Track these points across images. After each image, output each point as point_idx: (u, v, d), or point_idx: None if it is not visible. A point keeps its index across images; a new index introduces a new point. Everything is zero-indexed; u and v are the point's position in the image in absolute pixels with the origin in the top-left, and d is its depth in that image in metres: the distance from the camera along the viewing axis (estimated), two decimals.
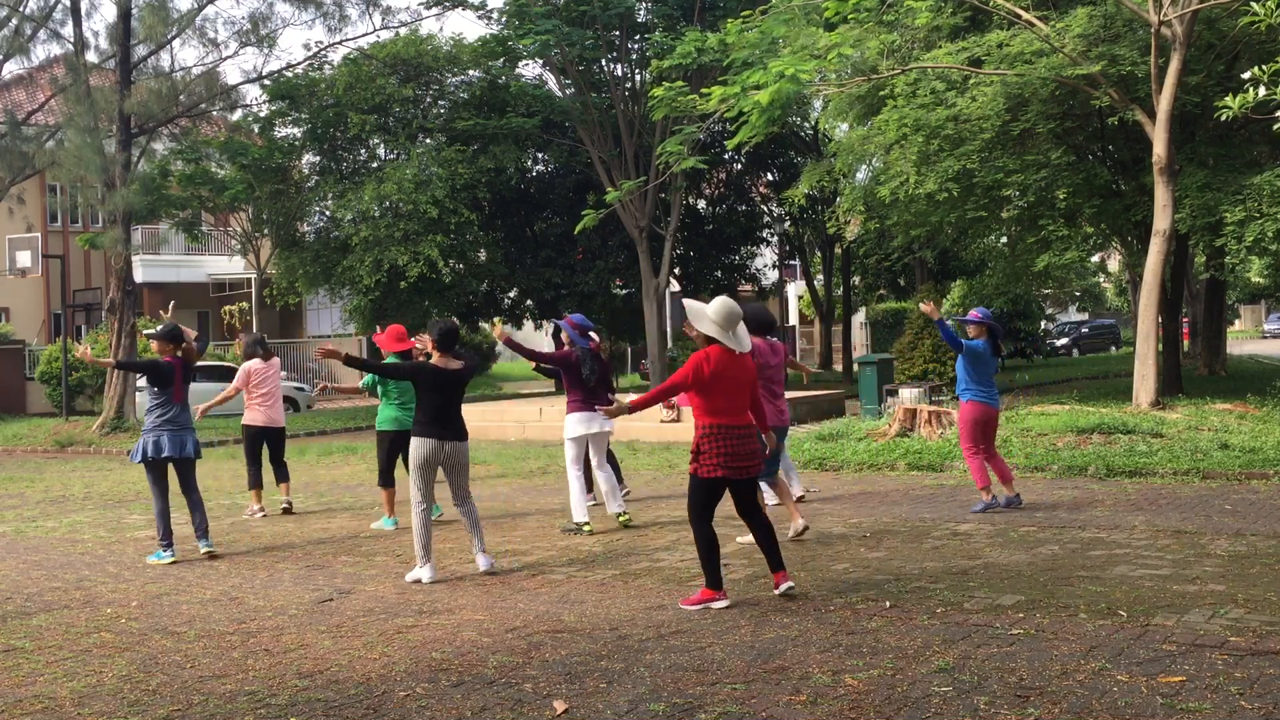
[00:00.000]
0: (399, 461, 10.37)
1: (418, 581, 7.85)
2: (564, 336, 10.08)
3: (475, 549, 8.13)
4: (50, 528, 11.07)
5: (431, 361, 8.10)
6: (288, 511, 11.47)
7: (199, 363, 9.67)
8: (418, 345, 10.18)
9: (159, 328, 9.54)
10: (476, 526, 8.16)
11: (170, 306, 11.67)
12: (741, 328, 7.01)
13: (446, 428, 7.98)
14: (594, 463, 10.16)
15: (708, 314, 6.91)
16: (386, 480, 10.55)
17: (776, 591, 6.94)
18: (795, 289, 49.71)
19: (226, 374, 23.95)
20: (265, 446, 11.75)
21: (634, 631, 6.27)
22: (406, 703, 5.17)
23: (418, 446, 7.97)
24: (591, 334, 10.14)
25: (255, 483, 11.59)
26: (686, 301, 7.29)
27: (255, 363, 11.74)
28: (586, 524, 9.68)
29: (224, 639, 6.44)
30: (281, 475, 11.79)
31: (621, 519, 9.95)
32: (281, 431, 11.91)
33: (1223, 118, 9.94)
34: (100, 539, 10.30)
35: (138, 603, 7.52)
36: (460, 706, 5.09)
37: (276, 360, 11.99)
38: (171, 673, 5.79)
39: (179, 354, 9.22)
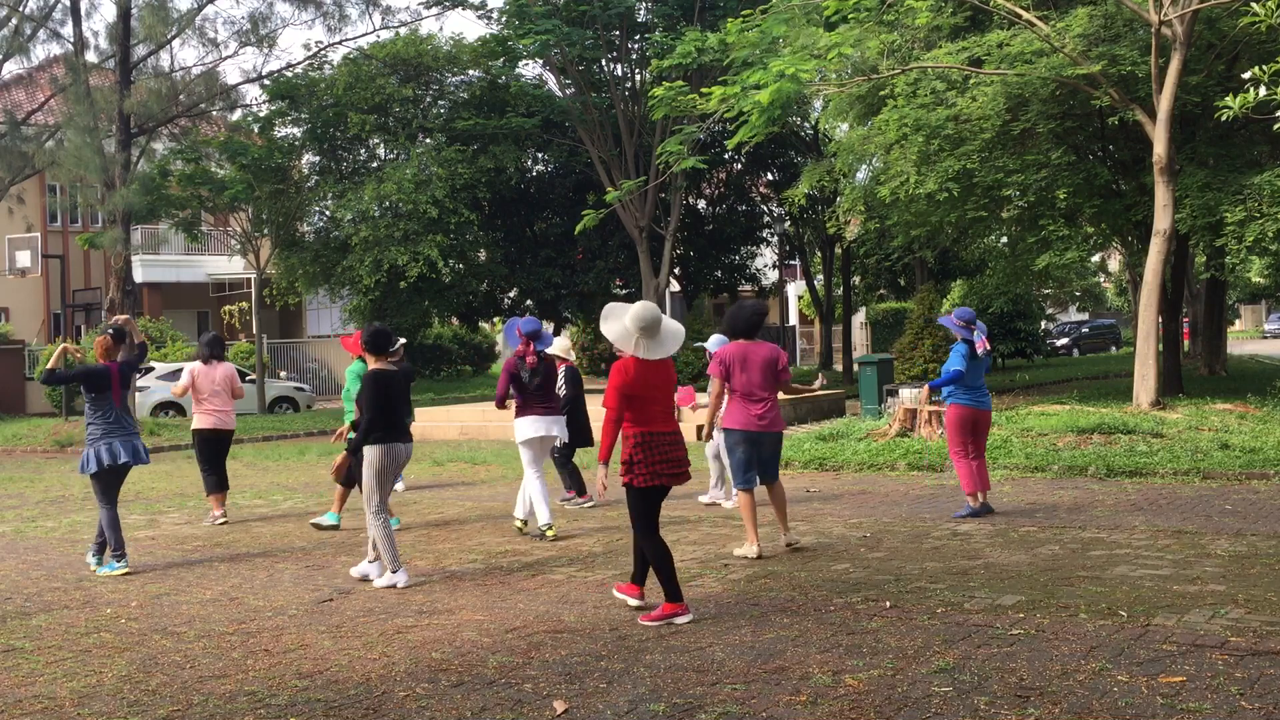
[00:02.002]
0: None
1: (392, 587, 7.66)
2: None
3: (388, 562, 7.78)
4: (50, 528, 11.07)
5: (371, 367, 7.85)
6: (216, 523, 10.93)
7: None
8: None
9: (106, 326, 9.23)
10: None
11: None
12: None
13: (402, 431, 7.88)
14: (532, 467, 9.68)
15: (626, 322, 6.64)
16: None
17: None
18: (795, 289, 49.75)
19: None
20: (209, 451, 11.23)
21: (634, 631, 6.27)
22: (406, 703, 5.17)
23: (380, 454, 7.73)
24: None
25: (214, 488, 11.08)
26: (611, 307, 6.90)
27: (197, 365, 11.29)
28: (548, 525, 9.43)
29: (224, 639, 6.44)
30: (221, 484, 11.18)
31: (550, 531, 9.41)
32: (229, 435, 11.36)
33: (1223, 118, 9.94)
34: None
35: (138, 603, 7.52)
36: (460, 706, 5.09)
37: (226, 365, 11.40)
38: (171, 673, 5.79)
39: (118, 356, 8.88)
